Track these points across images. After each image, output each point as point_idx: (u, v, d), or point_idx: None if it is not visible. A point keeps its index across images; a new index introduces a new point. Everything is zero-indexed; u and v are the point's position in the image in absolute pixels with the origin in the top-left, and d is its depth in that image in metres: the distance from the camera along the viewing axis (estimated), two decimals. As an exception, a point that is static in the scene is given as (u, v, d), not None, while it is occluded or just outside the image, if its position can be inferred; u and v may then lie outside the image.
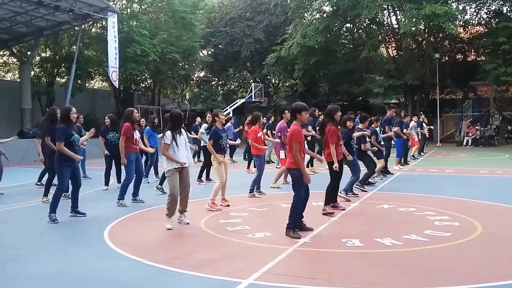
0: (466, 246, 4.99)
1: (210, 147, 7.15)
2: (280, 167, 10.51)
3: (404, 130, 12.53)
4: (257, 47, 29.80)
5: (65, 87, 23.91)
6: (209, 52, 34.11)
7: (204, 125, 10.63)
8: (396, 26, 25.90)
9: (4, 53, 27.78)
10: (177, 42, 26.41)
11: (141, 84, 32.38)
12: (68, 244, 5.39)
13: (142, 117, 12.26)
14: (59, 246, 5.32)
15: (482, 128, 24.06)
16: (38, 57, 27.26)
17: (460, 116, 28.37)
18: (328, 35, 25.02)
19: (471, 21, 26.33)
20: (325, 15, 25.87)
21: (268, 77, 32.18)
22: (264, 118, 12.52)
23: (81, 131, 10.17)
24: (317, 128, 10.25)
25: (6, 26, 21.34)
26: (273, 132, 11.98)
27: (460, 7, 24.74)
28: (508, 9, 24.99)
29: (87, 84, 31.23)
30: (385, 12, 26.11)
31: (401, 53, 26.22)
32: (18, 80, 27.01)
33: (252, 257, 4.73)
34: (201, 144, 10.77)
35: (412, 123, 14.51)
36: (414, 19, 21.10)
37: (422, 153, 17.08)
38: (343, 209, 6.98)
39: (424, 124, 16.64)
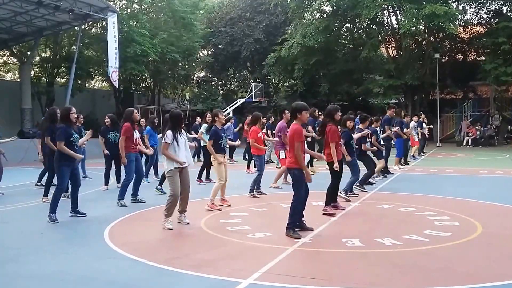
0: (466, 246, 4.99)
1: (210, 147, 7.16)
2: (280, 167, 10.51)
3: (404, 130, 12.53)
4: (257, 47, 29.80)
5: (65, 87, 23.92)
6: (209, 52, 34.12)
7: (204, 125, 10.62)
8: (396, 26, 25.90)
9: (4, 53, 27.79)
10: (177, 42, 26.42)
11: (141, 84, 32.39)
12: (68, 244, 5.39)
13: (142, 117, 12.26)
14: (59, 246, 5.32)
15: (482, 128, 24.06)
16: (38, 57, 27.28)
17: (460, 116, 28.37)
18: (328, 35, 25.02)
19: (471, 21, 26.35)
20: (325, 15, 25.87)
21: (268, 77, 32.18)
22: (264, 118, 12.53)
23: (81, 131, 10.17)
24: (317, 128, 10.26)
25: (6, 26, 21.35)
26: (273, 132, 11.99)
27: (460, 7, 24.74)
28: (508, 9, 25.00)
29: (87, 84, 31.25)
30: (385, 12, 26.12)
31: (401, 53, 26.23)
32: (18, 80, 27.03)
33: (252, 257, 4.73)
34: (201, 144, 10.77)
35: (412, 123, 14.51)
36: (414, 19, 21.11)
37: (422, 153, 17.08)
38: (343, 209, 6.98)
39: (424, 124, 16.65)
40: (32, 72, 26.07)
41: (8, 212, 7.42)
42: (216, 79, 35.61)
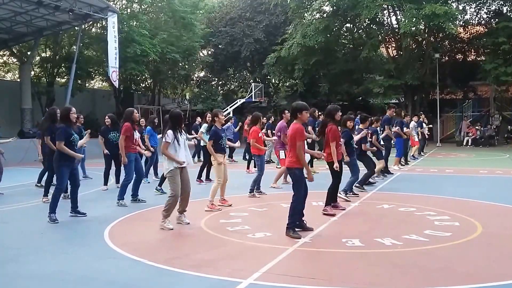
0: (466, 246, 4.99)
1: (210, 147, 7.16)
2: (280, 167, 10.51)
3: (404, 129, 12.54)
4: (257, 47, 29.80)
5: (65, 87, 23.93)
6: (209, 52, 34.12)
7: (204, 125, 10.63)
8: (396, 26, 25.91)
9: (4, 53, 27.79)
10: (177, 42, 26.42)
11: (141, 84, 32.40)
12: (68, 244, 5.39)
13: (142, 117, 12.25)
14: (59, 246, 5.33)
15: (482, 128, 24.06)
16: (38, 57, 27.28)
17: (460, 116, 28.37)
18: (328, 35, 25.02)
19: (471, 21, 26.35)
20: (325, 15, 25.87)
21: (268, 77, 32.19)
22: (264, 118, 12.52)
23: (81, 131, 10.17)
24: (317, 128, 10.26)
25: (6, 26, 21.36)
26: (273, 132, 11.98)
27: (460, 7, 24.74)
28: (508, 9, 25.00)
29: (87, 84, 31.25)
30: (385, 12, 26.12)
31: (401, 53, 26.23)
32: (18, 80, 27.03)
33: (252, 257, 4.73)
34: (201, 144, 10.76)
35: (413, 123, 14.52)
36: (414, 19, 21.11)
37: (422, 153, 17.08)
38: (343, 209, 6.98)
39: (424, 124, 16.66)
40: (32, 72, 26.07)
41: (8, 212, 7.42)
42: (216, 79, 35.62)
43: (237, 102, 29.46)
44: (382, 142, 10.73)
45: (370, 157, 9.26)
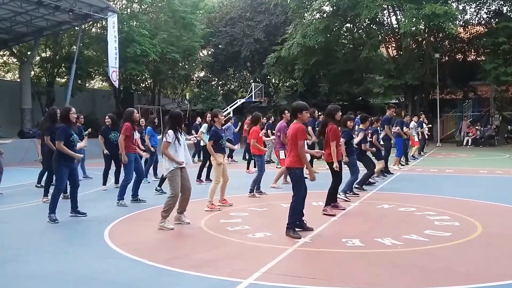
0: (466, 246, 4.99)
1: (210, 147, 7.16)
2: (280, 167, 10.51)
3: (404, 129, 12.54)
4: (257, 47, 29.81)
5: (65, 87, 23.94)
6: (209, 52, 34.13)
7: (204, 125, 10.63)
8: (396, 26, 25.92)
9: (4, 53, 27.79)
10: (177, 42, 26.43)
11: (141, 84, 32.40)
12: (68, 244, 5.39)
13: (142, 117, 12.25)
14: (59, 246, 5.33)
15: (482, 128, 24.06)
16: (38, 57, 27.29)
17: (460, 116, 28.38)
18: (328, 35, 25.02)
19: (471, 21, 26.36)
20: (325, 15, 25.87)
21: (268, 77, 32.20)
22: (264, 118, 12.52)
23: (81, 131, 10.17)
24: (317, 128, 10.27)
25: (6, 26, 21.36)
26: (273, 132, 11.99)
27: (460, 7, 24.74)
28: (508, 9, 25.00)
29: (87, 84, 31.25)
30: (385, 12, 26.12)
31: (401, 53, 26.24)
32: (18, 80, 27.04)
33: (252, 257, 4.73)
34: (201, 144, 10.76)
35: (413, 123, 14.52)
36: (414, 19, 21.11)
37: (422, 153, 17.09)
38: (343, 209, 6.98)
39: (424, 124, 16.67)
40: (32, 72, 26.08)
41: (8, 212, 7.42)
42: (216, 79, 35.62)
43: (237, 102, 29.46)
44: (381, 142, 10.73)
45: (369, 157, 9.26)
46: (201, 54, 32.73)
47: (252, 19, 30.58)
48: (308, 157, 8.82)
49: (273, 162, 14.09)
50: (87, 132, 11.17)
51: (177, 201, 6.00)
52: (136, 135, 8.03)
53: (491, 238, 5.29)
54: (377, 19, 25.70)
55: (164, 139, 5.98)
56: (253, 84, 29.51)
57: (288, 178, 8.77)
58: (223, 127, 8.10)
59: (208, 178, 10.41)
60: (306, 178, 5.65)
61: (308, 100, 20.90)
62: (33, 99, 24.54)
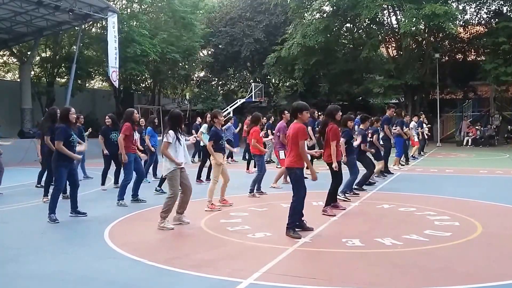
0: (466, 246, 4.99)
1: (210, 147, 7.15)
2: (280, 167, 10.51)
3: (404, 129, 12.54)
4: (257, 47, 29.82)
5: (65, 87, 23.95)
6: (209, 52, 34.14)
7: (204, 125, 10.63)
8: (396, 26, 25.92)
9: (4, 53, 27.80)
10: (177, 42, 26.43)
11: (141, 84, 32.40)
12: (68, 244, 5.39)
13: (142, 117, 12.25)
14: (59, 246, 5.33)
15: (482, 128, 24.06)
16: (38, 57, 27.30)
17: (460, 116, 28.38)
18: (328, 35, 25.03)
19: (471, 21, 26.37)
20: (325, 15, 25.88)
21: (268, 77, 32.20)
22: (264, 118, 12.52)
23: (82, 132, 10.18)
24: (316, 129, 10.27)
25: (6, 26, 21.36)
26: (273, 132, 11.99)
27: (460, 7, 24.75)
28: (508, 9, 25.01)
29: (87, 84, 31.26)
30: (385, 12, 26.12)
31: (401, 53, 26.24)
32: (18, 80, 27.04)
33: (252, 257, 4.73)
34: (201, 144, 10.77)
35: (413, 123, 14.52)
36: (414, 19, 21.11)
37: (422, 153, 17.09)
38: (344, 209, 6.98)
39: (424, 124, 16.67)
40: (32, 72, 26.08)
41: (8, 212, 7.42)
42: (216, 79, 35.64)
43: (237, 102, 29.47)
44: (381, 142, 10.73)
45: (369, 158, 9.26)
46: (201, 54, 32.74)
47: (252, 19, 30.58)
48: (308, 157, 8.84)
49: (273, 162, 14.08)
50: (87, 132, 11.18)
51: (176, 201, 6.00)
52: (136, 136, 8.03)
53: (491, 238, 5.29)
54: (377, 19, 25.70)
55: (165, 139, 5.97)
56: (253, 84, 29.52)
57: (288, 178, 8.81)
58: (223, 128, 8.10)
59: (208, 178, 10.40)
60: (306, 178, 5.66)
61: (308, 100, 20.91)
62: (33, 99, 24.54)
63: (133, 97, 32.13)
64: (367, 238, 5.27)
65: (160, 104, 32.03)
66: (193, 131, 14.21)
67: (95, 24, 26.12)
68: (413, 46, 26.47)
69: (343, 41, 29.13)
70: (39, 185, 9.78)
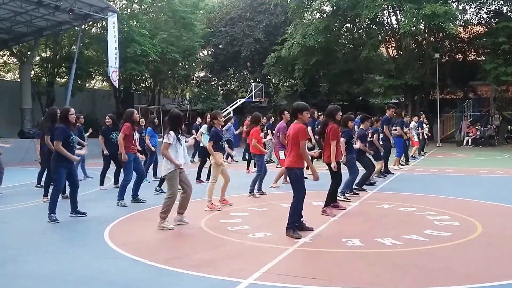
0: (466, 246, 4.99)
1: (210, 148, 7.15)
2: (280, 167, 10.51)
3: (404, 129, 12.54)
4: (257, 47, 29.81)
5: (65, 87, 23.95)
6: (209, 52, 34.14)
7: (204, 126, 10.63)
8: (396, 26, 25.92)
9: (4, 53, 27.80)
10: (177, 42, 26.43)
11: (141, 84, 32.40)
12: (68, 244, 5.39)
13: (142, 117, 12.25)
14: (59, 246, 5.33)
15: (482, 128, 24.07)
16: (38, 57, 27.29)
17: (460, 116, 28.39)
18: (328, 35, 25.03)
19: (471, 21, 26.37)
20: (325, 15, 25.88)
21: (268, 77, 32.20)
22: (264, 118, 12.51)
23: (82, 132, 10.17)
24: (316, 129, 10.26)
25: (6, 26, 21.36)
26: (273, 132, 11.99)
27: (460, 7, 24.75)
28: (508, 9, 25.01)
29: (87, 84, 31.26)
30: (385, 12, 26.13)
31: (401, 53, 26.24)
32: (18, 80, 27.05)
33: (252, 257, 4.73)
34: (201, 144, 10.77)
35: (413, 123, 14.52)
36: (414, 19, 21.11)
37: (422, 153, 17.09)
38: (344, 209, 6.98)
39: (424, 124, 16.67)
40: (32, 72, 26.08)
41: (8, 212, 7.42)
42: (216, 79, 35.64)
43: (237, 102, 29.47)
44: (381, 143, 10.72)
45: (369, 158, 9.25)
46: (201, 54, 32.74)
47: (252, 19, 30.58)
48: (309, 157, 8.84)
49: (273, 162, 14.08)
50: (88, 133, 11.17)
51: (176, 201, 5.99)
52: (136, 136, 8.03)
53: (491, 238, 5.29)
54: (377, 19, 25.71)
55: (165, 140, 5.94)
56: (253, 84, 29.51)
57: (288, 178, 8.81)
58: (223, 129, 8.10)
59: (208, 178, 10.40)
60: (306, 178, 5.65)
61: (308, 100, 20.92)
62: (33, 99, 24.54)
63: (133, 97, 32.13)
64: (367, 238, 5.27)
65: (160, 104, 32.03)
66: (193, 131, 14.20)
67: (95, 24, 26.12)
68: (413, 46, 26.47)
69: (343, 41, 29.13)
70: (39, 185, 9.78)
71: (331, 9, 25.37)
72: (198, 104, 31.15)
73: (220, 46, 31.40)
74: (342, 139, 7.31)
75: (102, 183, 9.68)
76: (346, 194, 7.88)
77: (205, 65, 33.11)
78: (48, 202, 6.66)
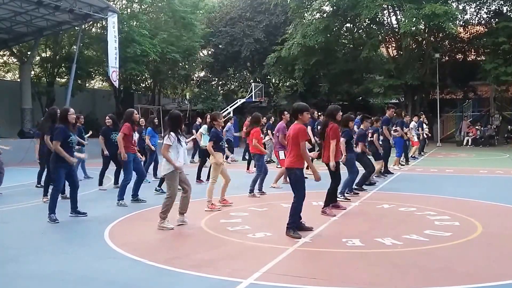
0: (466, 246, 4.99)
1: (211, 148, 7.15)
2: (280, 167, 10.51)
3: (404, 129, 12.54)
4: (257, 47, 29.81)
5: (65, 87, 23.94)
6: (209, 52, 34.14)
7: (204, 126, 10.63)
8: (396, 26, 25.93)
9: (4, 53, 27.78)
10: (177, 42, 26.43)
11: (141, 84, 32.40)
12: (68, 244, 5.39)
13: (142, 117, 12.25)
14: (59, 246, 5.33)
15: (482, 128, 24.08)
16: (38, 57, 27.29)
17: (460, 116, 28.40)
18: (328, 35, 25.04)
19: (471, 21, 26.38)
20: (325, 15, 25.89)
21: (268, 77, 32.21)
22: (264, 118, 12.51)
23: (82, 132, 10.17)
24: (316, 130, 10.26)
25: (6, 26, 21.36)
26: (273, 132, 11.98)
27: (460, 7, 24.77)
28: (508, 9, 25.02)
29: (87, 84, 31.25)
30: (385, 12, 26.14)
31: (401, 53, 26.25)
32: (18, 80, 27.04)
33: (252, 257, 4.73)
34: (201, 144, 10.77)
35: (413, 123, 14.52)
36: (414, 19, 21.12)
37: (422, 153, 17.09)
38: (344, 209, 6.98)
39: (424, 125, 16.67)
40: (32, 72, 26.07)
41: (8, 212, 7.42)
42: (216, 79, 35.63)
43: (237, 102, 29.47)
44: (380, 143, 10.72)
45: (368, 158, 9.25)
46: (201, 54, 32.74)
47: (252, 19, 30.58)
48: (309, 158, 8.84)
49: (273, 162, 14.08)
50: (88, 134, 11.17)
51: (175, 202, 5.99)
52: (136, 136, 8.02)
53: (491, 238, 5.29)
54: (377, 19, 25.72)
55: (165, 141, 5.91)
56: (253, 84, 29.52)
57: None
58: (223, 130, 8.10)
59: (208, 178, 10.39)
60: (306, 178, 5.65)
61: (308, 100, 20.96)
62: (33, 99, 24.53)
63: (133, 97, 32.12)
64: (367, 238, 5.27)
65: (160, 104, 32.03)
66: (193, 131, 14.20)
67: (95, 24, 26.11)
68: (413, 46, 26.48)
69: (343, 41, 29.14)
70: (39, 185, 9.78)
71: (331, 9, 25.38)
72: (198, 104, 31.14)
73: (220, 46, 31.40)
74: (342, 139, 7.31)
75: (100, 183, 9.68)
76: (346, 194, 7.88)
77: (205, 65, 33.11)
78: (48, 202, 6.66)
